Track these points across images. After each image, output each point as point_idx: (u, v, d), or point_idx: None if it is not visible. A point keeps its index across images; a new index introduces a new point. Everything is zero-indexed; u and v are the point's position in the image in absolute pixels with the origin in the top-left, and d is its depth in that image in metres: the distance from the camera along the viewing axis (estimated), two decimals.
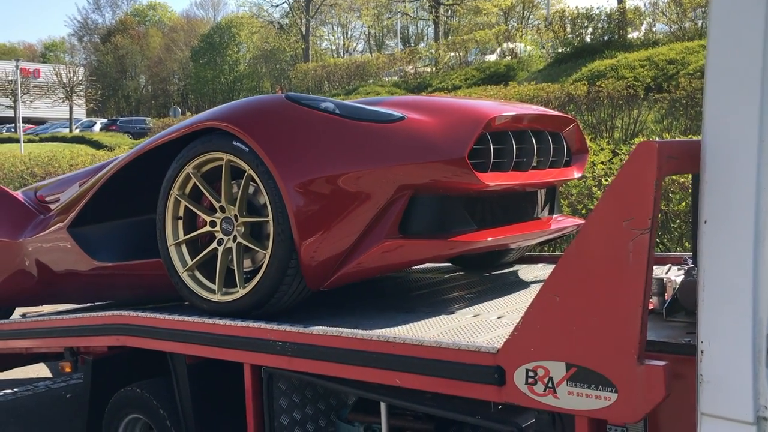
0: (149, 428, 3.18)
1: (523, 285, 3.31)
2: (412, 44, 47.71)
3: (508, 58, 22.98)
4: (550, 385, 1.82)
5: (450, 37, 35.34)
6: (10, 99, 42.04)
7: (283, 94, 2.88)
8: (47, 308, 5.87)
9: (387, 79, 28.11)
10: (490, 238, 2.77)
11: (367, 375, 2.28)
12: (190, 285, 2.95)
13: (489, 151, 2.70)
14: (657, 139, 1.80)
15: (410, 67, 27.64)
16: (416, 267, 4.16)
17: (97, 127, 42.39)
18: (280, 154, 2.66)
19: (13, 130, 41.22)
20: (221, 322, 2.71)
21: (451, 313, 2.71)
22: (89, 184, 3.64)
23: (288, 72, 45.32)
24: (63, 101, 42.57)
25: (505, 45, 24.15)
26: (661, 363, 1.67)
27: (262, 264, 2.75)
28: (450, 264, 4.11)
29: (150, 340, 2.99)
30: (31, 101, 43.76)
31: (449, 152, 2.57)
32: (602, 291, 1.72)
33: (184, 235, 3.01)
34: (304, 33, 43.19)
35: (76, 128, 41.64)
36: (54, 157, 15.03)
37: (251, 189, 2.85)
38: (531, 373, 1.85)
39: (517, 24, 33.54)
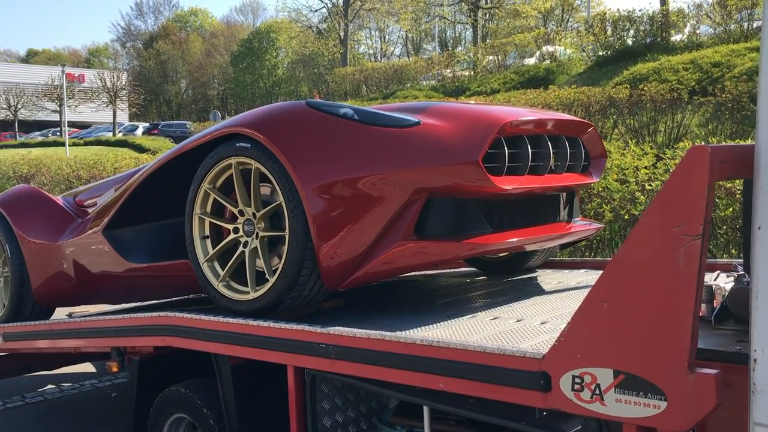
0: (193, 428, 3.22)
1: (566, 291, 3.27)
2: (450, 48, 47.57)
3: (548, 61, 22.81)
4: (597, 392, 1.80)
5: (488, 40, 35.19)
6: (56, 103, 43.11)
7: (304, 101, 2.97)
8: (92, 308, 6.01)
9: (425, 83, 28.12)
10: (504, 241, 2.83)
11: (409, 379, 2.28)
12: (225, 293, 3.05)
13: (504, 156, 2.76)
14: (708, 144, 1.77)
15: (448, 70, 27.59)
16: (456, 271, 4.15)
17: (139, 131, 43.19)
18: (300, 158, 2.75)
19: (58, 133, 42.23)
20: (265, 324, 2.73)
21: (494, 318, 2.70)
22: (122, 189, 3.80)
23: (326, 76, 45.61)
24: (107, 105, 43.45)
25: (544, 48, 23.96)
26: (713, 371, 1.64)
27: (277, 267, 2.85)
28: (477, 269, 4.13)
29: (195, 341, 3.03)
30: (76, 106, 44.75)
31: (464, 156, 2.64)
32: (652, 297, 1.70)
33: (213, 247, 3.14)
34: (342, 37, 43.41)
35: (119, 132, 42.46)
36: (99, 160, 15.35)
37: (268, 191, 2.94)
38: (577, 380, 1.83)
39: (557, 27, 33.24)
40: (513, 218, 2.99)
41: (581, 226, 3.35)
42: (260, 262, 2.98)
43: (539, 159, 2.96)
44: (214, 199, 3.10)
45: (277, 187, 2.81)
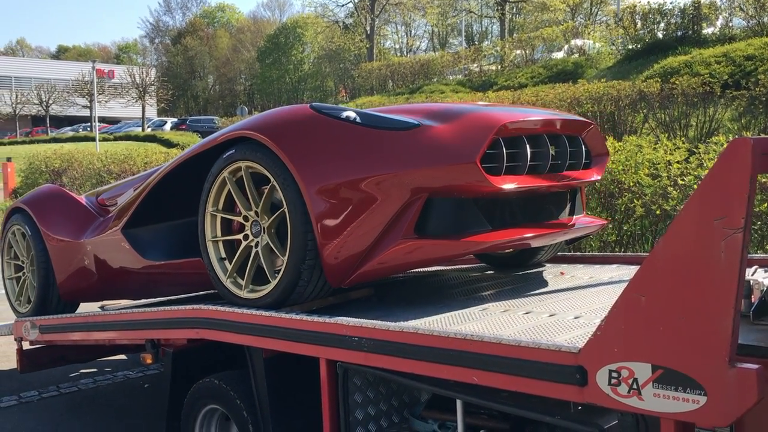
0: (226, 418, 3.26)
1: (598, 286, 3.25)
2: (476, 42, 47.33)
3: (576, 55, 22.57)
4: (634, 386, 1.79)
5: (515, 34, 34.95)
6: (87, 99, 43.72)
7: (308, 104, 3.07)
8: (123, 302, 6.10)
9: (451, 78, 28.00)
10: (504, 239, 2.90)
11: (443, 372, 2.28)
12: (234, 290, 3.17)
13: (502, 155, 2.82)
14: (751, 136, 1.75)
15: (475, 65, 27.47)
16: (486, 266, 4.14)
17: (167, 126, 43.66)
18: (303, 160, 2.85)
19: (89, 128, 42.84)
20: (298, 317, 2.75)
21: (527, 312, 2.69)
22: (140, 189, 3.95)
23: (351, 71, 45.64)
24: (136, 101, 43.99)
25: (572, 42, 23.73)
26: (754, 366, 1.62)
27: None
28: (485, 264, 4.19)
29: (228, 333, 3.07)
30: (105, 101, 45.34)
31: (462, 157, 2.71)
32: (691, 291, 1.68)
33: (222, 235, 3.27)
34: (368, 32, 43.39)
35: (148, 127, 42.97)
36: (129, 154, 15.51)
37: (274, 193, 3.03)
38: (614, 374, 1.82)
39: (585, 20, 32.89)
40: (514, 216, 3.06)
41: (584, 223, 3.38)
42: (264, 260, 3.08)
43: (539, 158, 3.01)
44: (226, 199, 3.22)
45: (281, 189, 2.90)
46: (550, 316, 2.59)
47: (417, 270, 4.29)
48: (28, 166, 19.53)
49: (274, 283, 2.96)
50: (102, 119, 42.69)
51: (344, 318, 2.61)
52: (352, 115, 2.94)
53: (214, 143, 3.27)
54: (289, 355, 2.85)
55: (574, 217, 3.38)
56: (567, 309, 2.69)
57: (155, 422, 4.42)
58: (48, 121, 47.07)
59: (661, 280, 1.74)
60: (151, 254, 3.88)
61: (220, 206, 3.24)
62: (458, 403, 2.42)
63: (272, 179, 2.93)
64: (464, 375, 2.20)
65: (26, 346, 4.79)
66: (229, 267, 3.19)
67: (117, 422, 4.54)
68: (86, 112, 46.61)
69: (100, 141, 31.10)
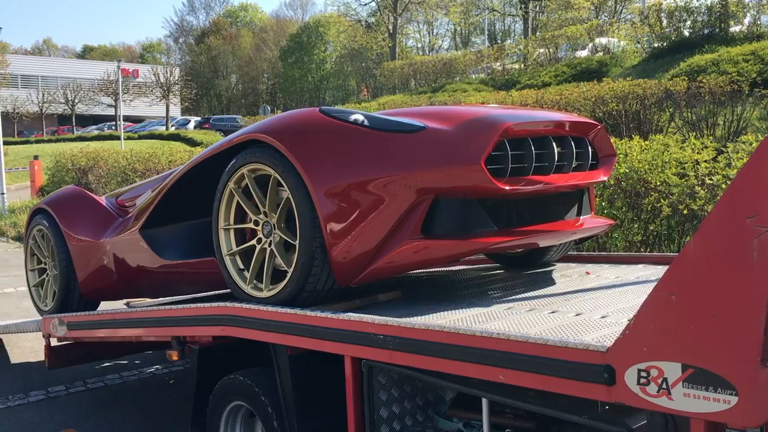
0: (251, 415, 3.28)
1: (624, 285, 3.22)
2: (499, 41, 47.12)
3: (601, 53, 22.38)
4: (664, 386, 1.77)
5: (538, 32, 34.73)
6: (112, 98, 44.19)
7: (318, 108, 3.14)
8: (149, 301, 6.16)
9: (474, 76, 27.91)
10: (509, 239, 2.93)
11: (468, 370, 2.27)
12: (251, 292, 3.23)
13: (507, 157, 2.85)
14: None
15: (498, 64, 27.34)
16: (513, 264, 4.13)
17: (191, 125, 44.01)
18: (312, 162, 2.91)
19: (114, 127, 43.33)
20: (323, 315, 2.76)
21: (552, 311, 2.67)
22: (157, 190, 4.06)
23: (373, 70, 45.66)
24: (160, 100, 44.38)
25: (597, 40, 23.53)
26: None
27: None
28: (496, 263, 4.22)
29: (253, 330, 3.08)
30: (130, 100, 45.83)
31: (467, 159, 2.76)
32: (723, 290, 1.66)
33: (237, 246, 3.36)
34: (391, 31, 43.39)
35: (172, 126, 43.31)
36: (154, 153, 15.63)
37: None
38: (643, 374, 1.80)
39: (609, 18, 32.60)
40: (520, 216, 3.08)
41: (592, 223, 3.39)
42: (278, 261, 3.14)
43: (544, 159, 3.03)
44: (238, 201, 3.29)
45: (290, 190, 2.96)
46: (576, 315, 2.57)
47: (440, 269, 4.29)
48: (55, 164, 19.78)
49: (284, 281, 3.03)
50: (126, 118, 43.13)
51: (370, 316, 2.61)
52: (360, 118, 2.99)
53: (226, 146, 3.35)
54: (314, 353, 2.86)
55: (582, 217, 3.40)
56: (593, 308, 2.67)
57: (181, 418, 4.47)
58: (74, 120, 47.69)
59: (693, 278, 1.72)
60: (167, 254, 4.00)
61: (231, 220, 3.33)
62: (484, 401, 2.41)
63: (281, 180, 3.00)
64: (490, 373, 2.19)
65: (54, 342, 4.86)
66: (248, 274, 3.24)
67: (143, 418, 4.60)
68: (111, 111, 47.18)
69: (124, 140, 31.40)
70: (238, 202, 3.27)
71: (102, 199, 4.90)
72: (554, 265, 3.96)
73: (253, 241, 3.23)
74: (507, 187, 2.81)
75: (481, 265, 4.30)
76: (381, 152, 2.88)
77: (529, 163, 2.95)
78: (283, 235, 3.09)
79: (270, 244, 3.14)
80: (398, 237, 2.87)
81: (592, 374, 1.90)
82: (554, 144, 3.06)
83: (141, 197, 4.50)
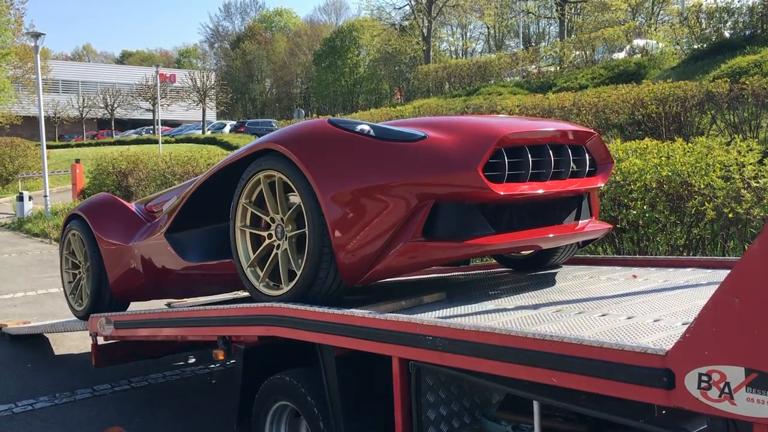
0: (297, 414, 3.30)
1: (674, 289, 3.18)
2: (533, 44, 46.79)
3: (639, 55, 22.10)
4: (726, 390, 1.74)
5: (574, 35, 34.41)
6: (150, 102, 44.89)
7: (327, 119, 3.34)
8: (190, 301, 6.24)
9: (508, 79, 27.77)
10: (506, 241, 3.10)
11: (519, 373, 2.25)
12: (264, 290, 3.45)
13: (504, 164, 3.04)
14: None
15: (533, 66, 27.17)
16: (557, 269, 4.10)
17: (227, 129, 44.47)
18: (320, 170, 3.10)
19: (151, 131, 44.01)
20: (370, 315, 2.77)
21: (603, 314, 2.64)
22: (180, 197, 4.33)
23: (406, 74, 45.66)
24: (197, 104, 44.96)
25: (635, 42, 23.24)
26: None
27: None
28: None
29: (299, 330, 3.09)
30: (168, 105, 46.48)
31: (465, 166, 2.94)
32: None
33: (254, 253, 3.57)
34: (425, 34, 43.37)
35: (208, 130, 43.80)
36: (192, 156, 15.83)
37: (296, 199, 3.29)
38: (704, 378, 1.78)
39: (646, 20, 32.18)
40: (519, 220, 3.26)
41: (590, 228, 3.55)
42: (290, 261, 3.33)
43: (541, 167, 3.21)
44: (255, 203, 3.52)
45: (300, 195, 3.16)
46: (628, 318, 2.54)
47: (485, 270, 4.28)
48: (96, 168, 20.15)
49: (294, 281, 3.23)
50: (163, 122, 43.73)
51: (418, 317, 2.61)
52: (366, 128, 3.16)
53: (243, 155, 3.58)
54: (361, 353, 2.87)
55: (580, 221, 3.55)
56: (645, 312, 2.64)
57: (223, 417, 4.52)
58: (113, 124, 48.55)
59: (756, 281, 1.69)
60: (189, 256, 4.24)
61: (248, 222, 3.56)
62: (535, 404, 2.39)
63: (293, 186, 3.19)
64: (542, 376, 2.17)
65: (100, 341, 4.95)
66: (261, 272, 3.48)
67: (187, 416, 4.65)
68: (149, 116, 47.95)
69: (162, 143, 31.86)
70: (254, 202, 3.50)
71: (132, 206, 5.17)
72: (611, 269, 3.93)
73: (267, 238, 3.44)
74: (502, 193, 2.98)
75: (505, 269, 4.28)
76: (384, 160, 3.05)
77: (526, 170, 3.13)
78: (293, 237, 3.30)
79: (281, 246, 3.34)
80: (400, 239, 3.03)
81: (651, 378, 1.88)
82: (551, 152, 3.23)
83: (167, 203, 4.74)
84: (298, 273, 3.20)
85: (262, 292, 3.42)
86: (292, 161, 3.18)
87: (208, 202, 4.07)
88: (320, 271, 3.12)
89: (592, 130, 3.60)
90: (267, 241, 3.44)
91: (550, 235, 3.31)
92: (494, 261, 4.57)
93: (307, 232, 3.14)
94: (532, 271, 4.06)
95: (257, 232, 3.51)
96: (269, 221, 3.42)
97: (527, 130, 3.20)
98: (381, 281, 3.68)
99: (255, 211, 3.49)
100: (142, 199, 5.42)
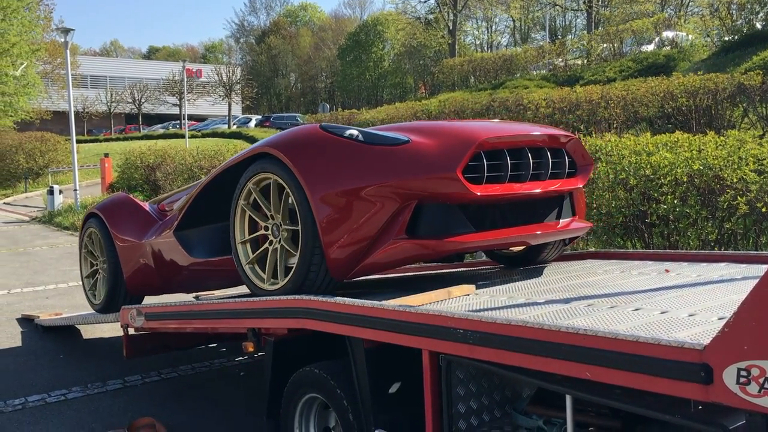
0: (326, 407, 3.31)
1: (708, 284, 3.13)
2: (559, 36, 46.37)
3: (668, 47, 21.80)
4: (766, 386, 1.71)
5: (601, 27, 34.01)
6: (176, 97, 45.28)
7: (318, 124, 3.52)
8: (218, 293, 6.29)
9: (534, 73, 27.56)
10: (486, 239, 3.29)
11: (552, 366, 2.23)
12: (260, 285, 3.68)
13: (483, 167, 3.22)
14: None
15: (560, 59, 26.93)
16: (586, 263, 4.07)
17: (252, 124, 44.69)
18: (310, 172, 3.30)
19: (178, 126, 44.38)
20: (400, 308, 2.77)
21: (636, 309, 2.61)
22: (188, 196, 4.54)
23: (431, 68, 45.51)
24: (222, 99, 45.25)
25: (664, 34, 22.92)
26: None
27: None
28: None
29: (329, 323, 3.11)
30: (194, 99, 46.83)
31: (445, 168, 3.13)
32: None
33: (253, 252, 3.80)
34: (450, 28, 43.17)
35: (234, 124, 44.05)
36: (219, 150, 15.95)
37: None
38: (743, 373, 1.75)
39: (675, 12, 31.72)
40: (502, 219, 3.42)
41: (572, 226, 3.70)
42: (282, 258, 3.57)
43: (520, 169, 3.39)
44: (253, 203, 3.73)
45: (293, 196, 3.36)
46: (662, 313, 2.50)
47: (514, 264, 4.26)
48: (124, 162, 20.38)
49: (288, 276, 3.45)
50: (190, 117, 44.16)
51: (449, 310, 2.60)
52: (354, 133, 3.36)
53: (242, 158, 3.78)
54: (391, 346, 2.87)
55: (561, 220, 3.69)
56: (679, 306, 2.60)
57: (252, 409, 4.55)
58: (140, 119, 49.08)
59: None
60: (196, 252, 4.46)
61: (246, 233, 3.77)
62: (568, 399, 2.37)
63: (286, 188, 3.40)
64: (576, 370, 2.15)
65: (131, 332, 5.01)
66: (257, 268, 3.73)
67: (216, 408, 4.69)
68: (175, 110, 48.37)
69: (188, 138, 32.12)
70: (251, 203, 3.74)
71: (145, 205, 5.41)
72: (643, 264, 3.89)
73: (262, 231, 3.67)
74: (479, 193, 3.16)
75: (567, 261, 4.25)
76: (370, 163, 3.24)
77: (505, 172, 3.30)
78: (288, 234, 3.52)
79: (277, 243, 3.57)
80: (385, 237, 3.23)
81: (688, 373, 1.85)
82: (530, 155, 3.40)
83: (177, 203, 4.94)
84: (292, 269, 3.42)
85: (256, 285, 3.67)
86: (285, 164, 3.38)
87: (212, 202, 4.26)
88: (312, 266, 3.33)
89: (571, 134, 3.75)
90: (263, 242, 3.65)
91: (534, 233, 3.48)
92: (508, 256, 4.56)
93: (300, 230, 3.35)
94: (521, 266, 4.21)
95: (258, 222, 3.69)
96: (266, 220, 3.63)
97: (505, 134, 3.37)
98: (410, 274, 3.71)
99: (251, 213, 3.71)
100: (156, 199, 5.67)
